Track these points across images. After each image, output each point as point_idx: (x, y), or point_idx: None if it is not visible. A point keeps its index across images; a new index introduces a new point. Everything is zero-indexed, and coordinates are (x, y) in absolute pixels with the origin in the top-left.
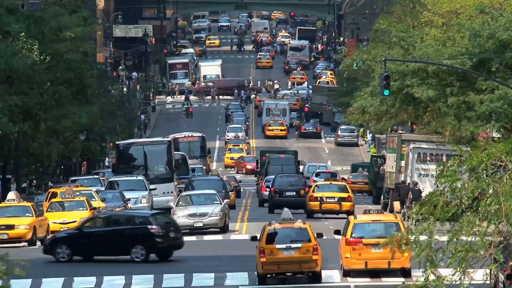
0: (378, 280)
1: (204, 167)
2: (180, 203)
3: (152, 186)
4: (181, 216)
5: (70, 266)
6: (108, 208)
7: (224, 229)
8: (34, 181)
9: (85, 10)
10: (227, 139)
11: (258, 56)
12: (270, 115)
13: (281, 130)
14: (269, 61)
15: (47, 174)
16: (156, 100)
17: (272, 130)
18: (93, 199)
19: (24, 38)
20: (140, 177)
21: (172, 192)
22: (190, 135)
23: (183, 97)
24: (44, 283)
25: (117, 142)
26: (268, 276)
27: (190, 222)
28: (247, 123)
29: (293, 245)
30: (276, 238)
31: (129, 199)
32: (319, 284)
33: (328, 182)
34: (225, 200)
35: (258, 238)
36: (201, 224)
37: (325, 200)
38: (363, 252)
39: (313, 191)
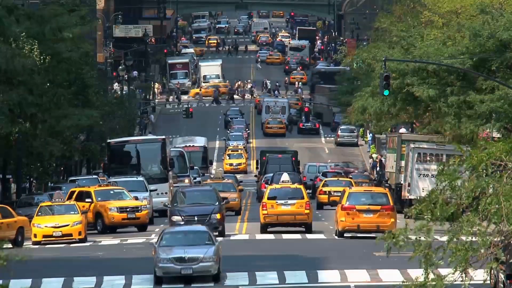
0: (378, 280)
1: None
2: (164, 242)
3: (152, 187)
4: (165, 260)
5: (70, 266)
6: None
7: (217, 277)
8: (34, 181)
9: (84, 8)
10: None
11: (268, 53)
12: (269, 112)
13: (280, 128)
14: (279, 57)
15: (48, 174)
16: (157, 100)
17: (271, 128)
18: (127, 198)
19: (24, 38)
20: (140, 178)
21: (166, 192)
22: (191, 144)
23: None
24: (44, 283)
25: (108, 140)
26: (268, 226)
27: (177, 269)
28: (248, 130)
29: (289, 201)
30: (276, 195)
31: None
32: (319, 284)
33: (336, 178)
34: (219, 240)
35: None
36: (190, 272)
37: (332, 193)
38: (356, 216)
39: (323, 186)
